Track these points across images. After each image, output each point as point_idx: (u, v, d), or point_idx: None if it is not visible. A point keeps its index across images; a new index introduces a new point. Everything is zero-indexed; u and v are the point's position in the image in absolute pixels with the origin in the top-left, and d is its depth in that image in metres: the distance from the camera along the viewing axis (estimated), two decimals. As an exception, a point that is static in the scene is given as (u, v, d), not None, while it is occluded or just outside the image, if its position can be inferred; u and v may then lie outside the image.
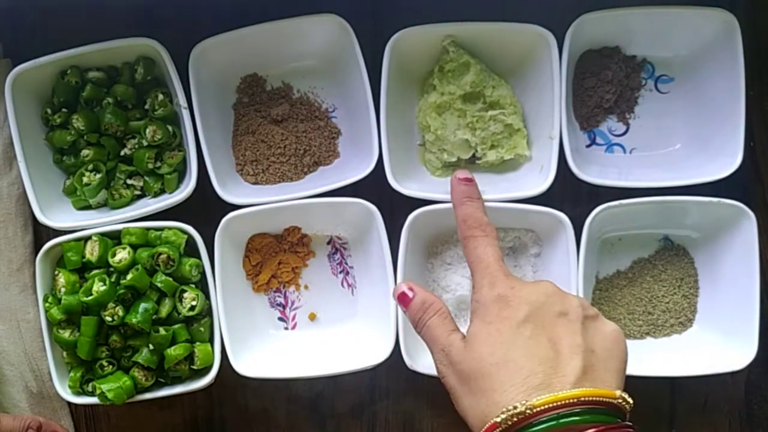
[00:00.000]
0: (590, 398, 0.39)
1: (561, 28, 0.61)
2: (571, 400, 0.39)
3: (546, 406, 0.39)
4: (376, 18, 0.64)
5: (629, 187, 0.62)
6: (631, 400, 0.42)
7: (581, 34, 0.60)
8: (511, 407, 0.39)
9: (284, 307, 0.68)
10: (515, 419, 0.39)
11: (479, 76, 0.63)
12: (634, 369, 0.55)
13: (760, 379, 0.64)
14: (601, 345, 0.43)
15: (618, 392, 0.41)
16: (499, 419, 0.39)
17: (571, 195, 0.66)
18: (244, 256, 0.66)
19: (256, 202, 0.62)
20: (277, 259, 0.67)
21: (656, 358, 0.64)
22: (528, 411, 0.39)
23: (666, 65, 0.65)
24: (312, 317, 0.68)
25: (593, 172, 0.62)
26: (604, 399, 0.40)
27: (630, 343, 0.65)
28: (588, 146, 0.66)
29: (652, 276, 0.66)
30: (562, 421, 0.39)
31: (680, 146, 0.66)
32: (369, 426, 0.68)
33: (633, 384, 0.47)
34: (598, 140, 0.65)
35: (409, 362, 0.61)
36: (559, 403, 0.39)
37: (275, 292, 0.68)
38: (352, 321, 0.67)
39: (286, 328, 0.68)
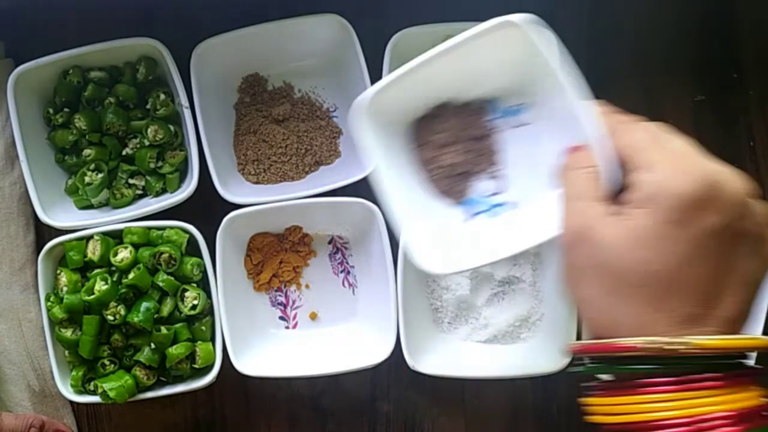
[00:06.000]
0: (749, 348, 0.34)
1: (561, 27, 0.61)
2: (731, 350, 0.33)
3: (704, 350, 0.33)
4: (377, 18, 0.64)
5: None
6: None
7: (382, 110, 0.46)
8: (665, 339, 0.33)
9: (285, 306, 0.68)
10: (661, 351, 0.33)
11: (480, 76, 0.63)
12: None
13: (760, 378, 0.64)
14: (760, 275, 0.36)
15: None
16: (644, 345, 0.33)
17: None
18: (245, 255, 0.66)
19: (257, 201, 0.63)
20: (278, 258, 0.67)
21: None
22: (686, 350, 0.33)
23: (511, 94, 0.49)
24: (313, 316, 0.68)
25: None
26: (754, 347, 0.34)
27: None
28: (469, 221, 0.50)
29: None
30: (704, 363, 0.33)
31: None
32: (370, 425, 0.68)
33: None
34: (476, 209, 0.50)
35: (410, 362, 0.61)
36: (719, 350, 0.33)
37: (276, 291, 0.68)
38: (353, 320, 0.67)
39: (287, 327, 0.68)
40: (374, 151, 0.45)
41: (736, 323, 0.34)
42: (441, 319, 0.66)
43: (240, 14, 0.63)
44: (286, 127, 0.67)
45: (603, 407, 0.35)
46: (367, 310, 0.67)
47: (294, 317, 0.68)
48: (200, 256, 0.62)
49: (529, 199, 0.47)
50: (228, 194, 0.62)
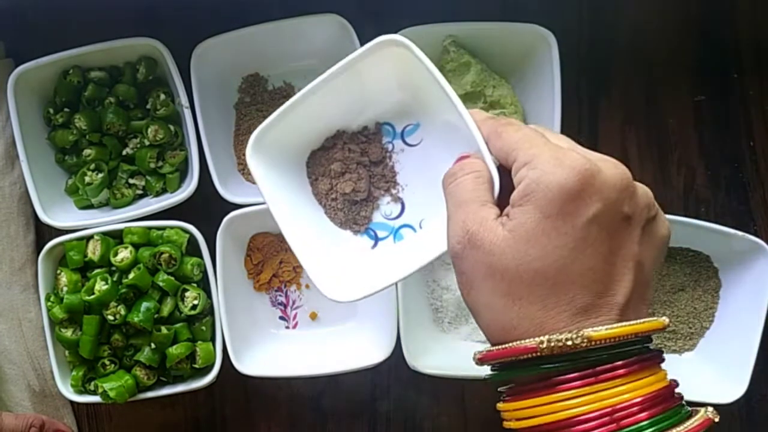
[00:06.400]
0: (645, 332, 0.33)
1: (561, 28, 0.61)
2: (629, 336, 0.33)
3: (602, 341, 0.32)
4: (377, 18, 0.64)
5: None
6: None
7: (272, 147, 0.46)
8: (561, 336, 0.32)
9: (285, 306, 0.68)
10: (560, 348, 0.32)
11: (480, 76, 0.63)
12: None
13: (760, 378, 0.64)
14: (650, 257, 0.36)
15: (666, 321, 0.35)
16: (542, 344, 0.33)
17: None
18: (245, 255, 0.66)
19: (257, 201, 0.63)
20: (278, 258, 0.67)
21: None
22: (583, 343, 0.32)
23: (401, 115, 0.49)
24: (313, 316, 0.68)
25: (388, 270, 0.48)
26: (653, 330, 0.34)
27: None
28: (374, 247, 0.50)
29: (681, 285, 0.66)
30: (608, 353, 0.33)
31: None
32: (370, 425, 0.68)
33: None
34: (381, 234, 0.50)
35: (410, 361, 0.61)
36: (617, 338, 0.33)
37: (276, 291, 0.68)
38: (353, 320, 0.67)
39: (288, 327, 0.68)
40: (269, 188, 0.45)
41: (633, 308, 0.34)
42: (441, 318, 0.66)
43: (240, 14, 0.63)
44: (286, 127, 0.67)
45: (517, 412, 0.34)
46: (367, 310, 0.67)
47: (294, 317, 0.68)
48: (200, 256, 0.62)
49: (429, 218, 0.48)
50: (228, 194, 0.62)
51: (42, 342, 0.65)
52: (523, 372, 0.34)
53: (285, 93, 0.67)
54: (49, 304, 0.62)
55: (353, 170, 0.48)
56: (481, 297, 0.35)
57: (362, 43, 0.61)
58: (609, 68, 0.68)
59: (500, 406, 0.36)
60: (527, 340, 0.33)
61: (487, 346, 0.35)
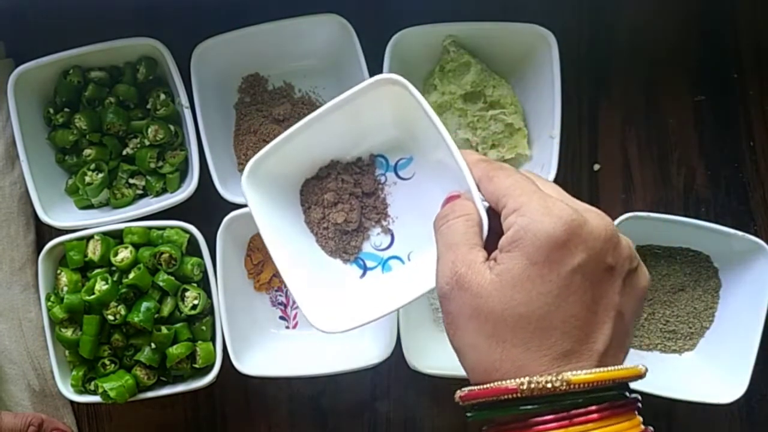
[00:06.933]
0: (623, 378, 0.35)
1: (561, 28, 0.61)
2: (607, 382, 0.34)
3: (581, 385, 0.34)
4: (378, 18, 0.64)
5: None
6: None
7: (267, 175, 0.47)
8: (541, 379, 0.34)
9: (285, 306, 0.68)
10: (540, 390, 0.34)
11: (480, 76, 0.63)
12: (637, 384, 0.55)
13: (760, 378, 0.64)
14: (631, 307, 0.37)
15: (643, 369, 0.36)
16: (522, 385, 0.34)
17: (572, 195, 0.66)
18: (245, 255, 0.66)
19: (257, 201, 0.63)
20: (278, 258, 0.67)
21: (656, 375, 0.63)
22: (563, 386, 0.33)
23: (396, 149, 0.50)
24: (313, 316, 0.68)
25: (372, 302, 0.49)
26: (630, 377, 0.35)
27: (638, 353, 0.66)
28: (362, 276, 0.51)
29: (681, 285, 0.66)
30: (584, 397, 0.34)
31: None
32: (370, 425, 0.68)
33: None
34: (369, 264, 0.51)
35: (410, 361, 0.61)
36: (595, 384, 0.34)
37: (277, 291, 0.68)
38: (353, 320, 0.67)
39: (288, 327, 0.68)
40: (262, 216, 0.46)
41: (612, 355, 0.35)
42: (441, 318, 0.66)
43: (240, 14, 0.63)
44: (286, 127, 0.67)
45: None
46: (367, 310, 0.67)
47: (294, 317, 0.68)
48: (200, 255, 0.62)
49: (417, 251, 0.49)
50: (228, 194, 0.62)
51: (42, 342, 0.65)
52: (503, 412, 0.35)
53: (285, 93, 0.67)
54: (50, 304, 0.62)
55: (346, 200, 0.50)
56: (466, 337, 0.36)
57: (362, 44, 0.62)
58: (609, 68, 0.68)
59: None
60: (508, 381, 0.34)
61: (470, 386, 0.36)
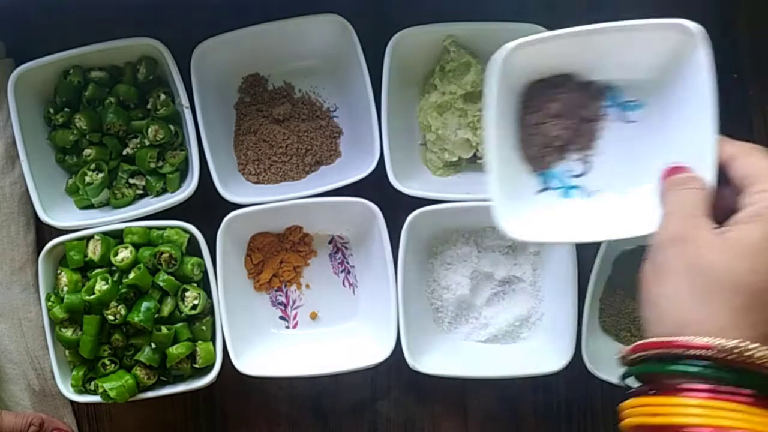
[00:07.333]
0: None
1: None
2: None
3: (761, 366, 0.34)
4: (378, 18, 0.64)
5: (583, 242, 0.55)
6: None
7: (516, 63, 0.47)
8: (728, 345, 0.33)
9: (286, 306, 0.68)
10: (723, 356, 0.34)
11: (480, 76, 0.63)
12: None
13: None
14: None
15: None
16: (713, 346, 0.34)
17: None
18: (245, 255, 0.67)
19: (257, 201, 0.63)
20: (278, 258, 0.67)
21: None
22: (747, 360, 0.33)
23: (634, 89, 0.50)
24: (313, 316, 0.68)
25: (539, 223, 0.50)
26: None
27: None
28: (541, 191, 0.51)
29: None
30: (753, 378, 0.34)
31: (655, 184, 0.51)
32: (370, 424, 0.68)
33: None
34: (552, 184, 0.51)
35: (410, 361, 0.61)
36: None
37: (277, 291, 0.68)
38: (353, 320, 0.67)
39: (288, 327, 0.68)
40: (494, 105, 0.46)
41: None
42: (441, 318, 0.66)
43: (240, 14, 0.63)
44: (286, 127, 0.67)
45: (639, 408, 0.36)
46: (367, 310, 0.67)
47: (294, 317, 0.68)
48: (201, 255, 0.63)
49: (604, 193, 0.50)
50: (228, 194, 0.62)
51: (42, 342, 0.65)
52: (674, 369, 0.35)
53: (285, 93, 0.68)
54: (50, 303, 0.62)
55: (566, 117, 0.50)
56: (667, 288, 0.37)
57: (362, 44, 0.62)
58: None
59: (627, 403, 0.37)
60: (706, 339, 0.34)
61: (645, 340, 0.37)
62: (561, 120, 0.50)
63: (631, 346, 0.37)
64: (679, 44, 0.45)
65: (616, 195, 0.49)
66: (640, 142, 0.49)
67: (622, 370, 0.39)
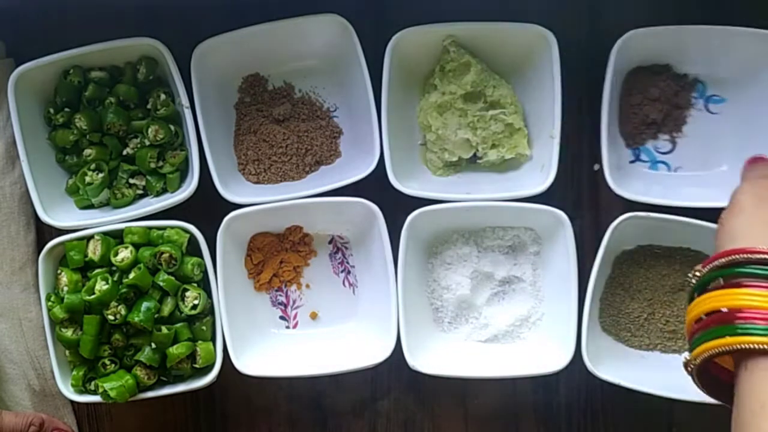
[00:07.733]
0: None
1: (561, 28, 0.61)
2: None
3: None
4: (378, 18, 0.64)
5: (666, 205, 0.61)
6: None
7: (629, 50, 0.60)
8: None
9: (286, 305, 0.68)
10: None
11: (480, 76, 0.63)
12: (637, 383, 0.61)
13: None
14: None
15: None
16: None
17: (573, 195, 0.66)
18: (245, 255, 0.67)
19: (257, 201, 0.63)
20: (278, 258, 0.67)
21: (656, 375, 0.64)
22: None
23: (718, 85, 0.64)
24: (313, 316, 0.68)
25: (634, 188, 0.62)
26: None
27: (638, 353, 0.66)
28: (632, 162, 0.65)
29: (681, 285, 0.65)
30: None
31: (727, 168, 0.64)
32: (370, 424, 0.68)
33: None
34: (643, 157, 0.65)
35: (410, 361, 0.61)
36: None
37: (277, 291, 0.68)
38: (353, 320, 0.67)
39: (288, 327, 0.68)
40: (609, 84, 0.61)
41: None
42: (441, 318, 0.66)
43: (240, 14, 0.63)
44: (286, 127, 0.67)
45: (710, 297, 0.44)
46: (367, 310, 0.67)
47: (294, 317, 0.68)
48: (201, 255, 0.63)
49: (685, 170, 0.65)
50: (228, 194, 0.62)
51: (42, 342, 0.65)
52: (743, 273, 0.44)
53: (285, 93, 0.68)
54: (50, 303, 0.62)
55: (663, 101, 0.63)
56: (743, 221, 0.47)
57: (362, 44, 0.62)
58: (609, 68, 0.68)
59: (701, 297, 0.45)
60: (765, 246, 0.44)
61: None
62: (658, 103, 0.63)
63: (703, 262, 0.46)
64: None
65: (694, 173, 0.64)
66: (719, 131, 0.64)
67: (695, 281, 0.47)
